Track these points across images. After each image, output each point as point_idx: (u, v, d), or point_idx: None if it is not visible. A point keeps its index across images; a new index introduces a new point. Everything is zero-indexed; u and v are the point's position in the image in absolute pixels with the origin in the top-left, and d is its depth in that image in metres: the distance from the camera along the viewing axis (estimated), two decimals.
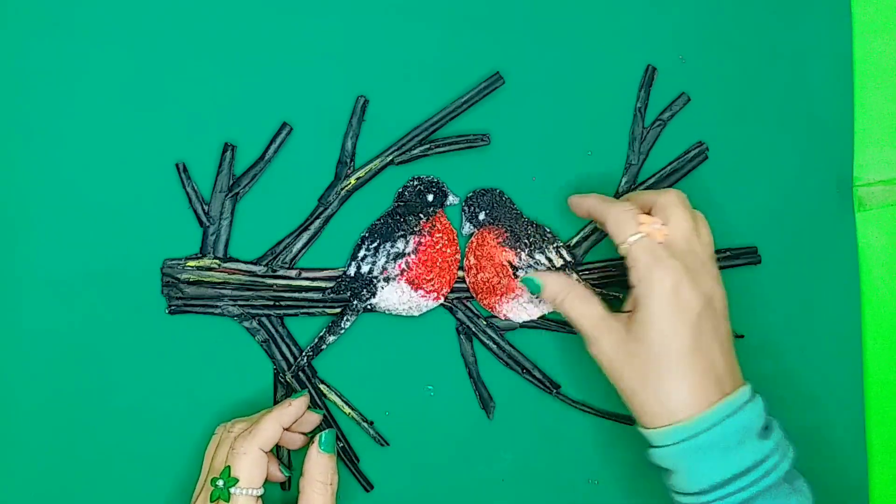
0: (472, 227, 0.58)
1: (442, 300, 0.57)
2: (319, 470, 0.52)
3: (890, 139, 0.61)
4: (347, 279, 0.56)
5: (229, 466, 0.49)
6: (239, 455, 0.50)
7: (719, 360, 0.49)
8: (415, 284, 0.56)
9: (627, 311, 0.51)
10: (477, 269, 0.57)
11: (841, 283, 0.60)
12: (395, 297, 0.56)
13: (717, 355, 0.49)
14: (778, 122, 0.60)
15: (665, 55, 0.59)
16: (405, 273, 0.56)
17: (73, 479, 0.56)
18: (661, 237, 0.50)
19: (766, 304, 0.60)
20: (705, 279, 0.49)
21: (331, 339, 0.57)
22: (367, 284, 0.56)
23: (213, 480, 0.49)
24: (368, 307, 0.56)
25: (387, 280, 0.56)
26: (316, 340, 0.57)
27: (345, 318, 0.57)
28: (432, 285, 0.56)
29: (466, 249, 0.58)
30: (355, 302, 0.56)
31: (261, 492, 0.50)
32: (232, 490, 0.49)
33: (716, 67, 0.60)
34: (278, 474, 0.54)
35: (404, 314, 0.56)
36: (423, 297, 0.56)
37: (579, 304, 0.52)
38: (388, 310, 0.56)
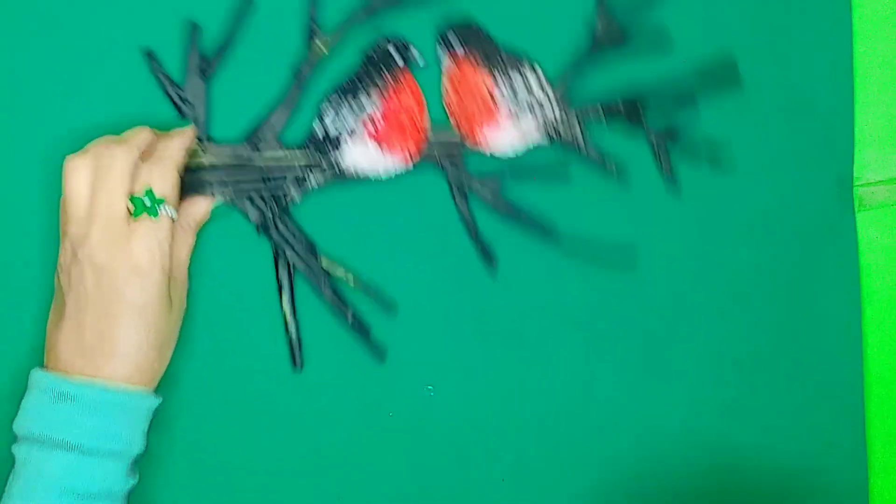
0: (448, 59, 0.57)
1: (410, 162, 0.56)
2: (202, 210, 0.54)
3: (891, 139, 0.61)
4: (314, 139, 0.55)
5: (151, 188, 0.49)
6: (160, 176, 0.50)
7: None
8: (381, 144, 0.55)
9: None
10: (457, 97, 0.57)
11: (841, 284, 0.60)
12: (361, 156, 0.55)
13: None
14: (778, 122, 0.60)
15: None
16: (371, 132, 0.55)
17: None
18: None
19: (767, 303, 0.60)
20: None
21: (294, 193, 0.56)
22: (333, 143, 0.55)
23: (134, 199, 0.49)
24: (335, 166, 0.55)
25: (352, 138, 0.55)
26: (280, 193, 0.55)
27: (312, 177, 0.56)
28: (398, 145, 0.56)
29: (444, 80, 0.57)
30: (321, 159, 0.55)
31: (177, 215, 0.51)
32: (160, 208, 0.49)
33: (716, 66, 0.59)
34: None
35: (370, 175, 0.56)
36: (389, 156, 0.56)
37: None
38: (355, 168, 0.55)
